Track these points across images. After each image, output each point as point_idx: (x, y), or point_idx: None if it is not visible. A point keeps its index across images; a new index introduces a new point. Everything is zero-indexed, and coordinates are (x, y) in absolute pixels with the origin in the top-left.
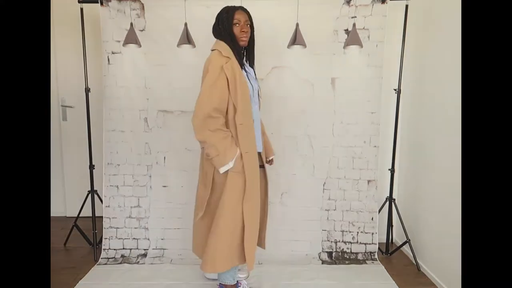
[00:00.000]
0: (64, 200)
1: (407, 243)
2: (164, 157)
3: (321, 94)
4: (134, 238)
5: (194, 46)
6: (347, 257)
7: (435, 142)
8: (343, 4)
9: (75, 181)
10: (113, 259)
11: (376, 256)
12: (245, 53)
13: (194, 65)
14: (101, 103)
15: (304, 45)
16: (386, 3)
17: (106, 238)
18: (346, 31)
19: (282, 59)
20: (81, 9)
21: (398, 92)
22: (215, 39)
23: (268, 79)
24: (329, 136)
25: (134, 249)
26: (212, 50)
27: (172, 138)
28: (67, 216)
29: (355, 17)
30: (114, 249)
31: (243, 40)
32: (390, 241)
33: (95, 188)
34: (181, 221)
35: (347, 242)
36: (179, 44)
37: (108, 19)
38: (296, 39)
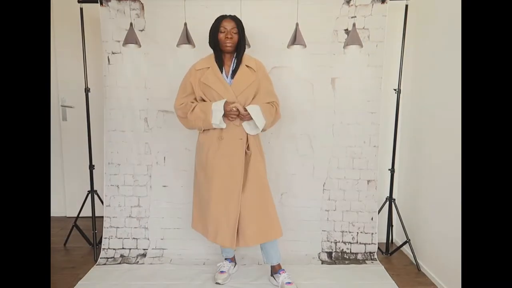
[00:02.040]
0: (64, 200)
1: (407, 243)
2: (164, 157)
3: (321, 94)
4: (133, 238)
5: (193, 46)
6: (347, 257)
7: (435, 142)
8: (343, 4)
9: (75, 181)
10: (112, 259)
11: (375, 256)
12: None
13: None
14: (101, 103)
15: (304, 45)
16: (386, 3)
17: (105, 238)
18: (346, 31)
19: (282, 59)
20: (81, 9)
21: (398, 92)
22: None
23: None
24: (329, 136)
25: (134, 249)
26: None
27: (172, 138)
28: (67, 216)
29: (355, 17)
30: (114, 249)
31: (227, 46)
32: (390, 241)
33: (95, 188)
34: (180, 221)
35: (347, 242)
36: (178, 44)
37: (108, 19)
38: (296, 39)
